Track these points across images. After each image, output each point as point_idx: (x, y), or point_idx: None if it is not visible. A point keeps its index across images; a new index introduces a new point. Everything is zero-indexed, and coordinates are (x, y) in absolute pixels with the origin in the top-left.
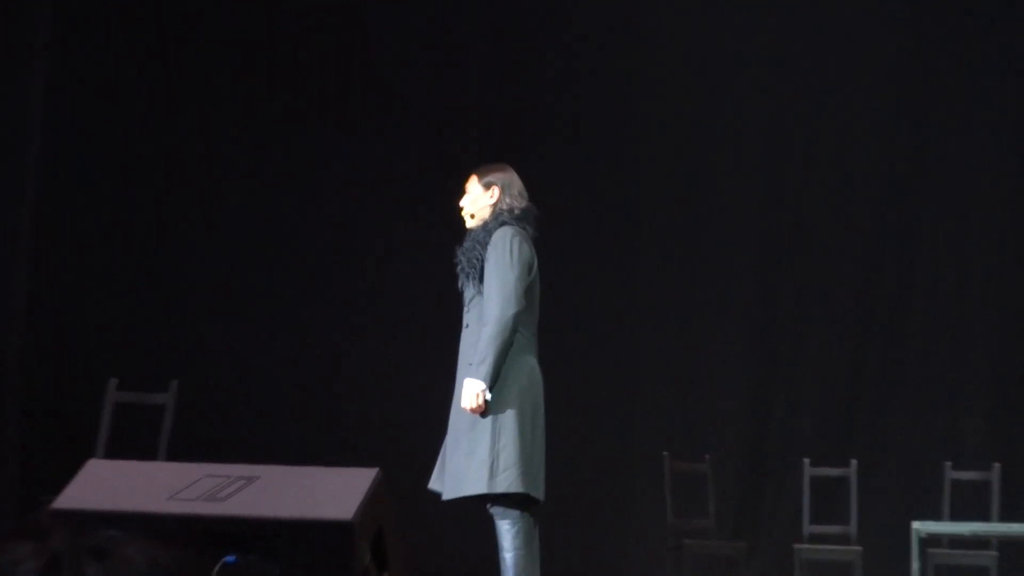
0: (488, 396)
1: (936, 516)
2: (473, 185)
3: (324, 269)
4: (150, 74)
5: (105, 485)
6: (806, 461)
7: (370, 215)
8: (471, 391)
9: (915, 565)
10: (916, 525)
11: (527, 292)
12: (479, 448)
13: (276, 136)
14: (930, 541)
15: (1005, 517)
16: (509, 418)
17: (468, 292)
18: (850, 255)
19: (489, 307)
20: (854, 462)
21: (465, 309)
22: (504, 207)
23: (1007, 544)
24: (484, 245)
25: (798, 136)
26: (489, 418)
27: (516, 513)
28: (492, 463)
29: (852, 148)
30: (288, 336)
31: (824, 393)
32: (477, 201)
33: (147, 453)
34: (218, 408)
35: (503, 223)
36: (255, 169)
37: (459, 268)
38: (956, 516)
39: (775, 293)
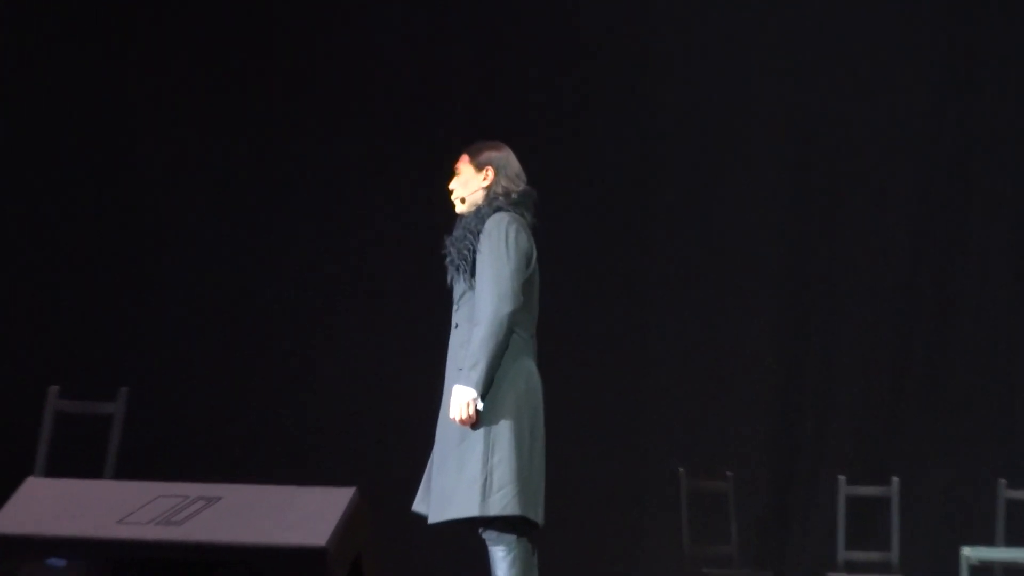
0: (480, 405)
1: (988, 541)
2: (464, 165)
3: (292, 263)
4: (97, 69)
5: (45, 507)
6: (841, 479)
7: (344, 202)
8: (461, 399)
9: None
10: (966, 551)
11: (525, 287)
12: (470, 465)
13: (235, 124)
14: (982, 569)
15: None
16: (504, 430)
17: (458, 287)
18: (890, 251)
19: (482, 304)
20: (895, 480)
21: (454, 307)
22: (499, 190)
23: None
24: (476, 234)
25: (832, 126)
26: (481, 430)
27: (512, 538)
28: (485, 482)
29: (892, 140)
30: (253, 337)
31: (861, 402)
32: (468, 183)
33: (93, 470)
34: (174, 419)
35: (498, 209)
36: (212, 160)
37: (448, 260)
38: (1011, 541)
39: (806, 290)
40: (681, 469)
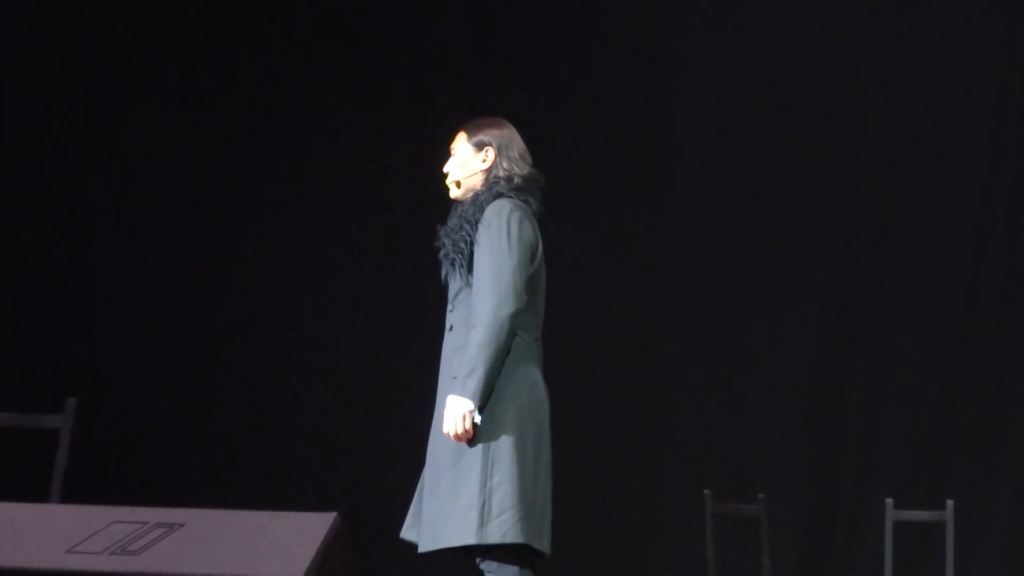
0: (477, 419)
1: None
2: (460, 145)
3: (263, 257)
4: (33, 63)
5: None
6: (889, 502)
7: (321, 189)
8: (455, 412)
9: None
10: None
11: (529, 285)
12: (466, 486)
13: (191, 106)
14: None
15: None
16: (505, 447)
17: (453, 285)
18: (945, 257)
19: (480, 304)
20: (950, 503)
21: (449, 307)
22: (500, 174)
23: None
24: (473, 223)
25: (884, 115)
26: (479, 447)
27: (514, 570)
28: (483, 506)
29: (951, 136)
30: (218, 342)
31: (912, 417)
32: (466, 166)
33: (37, 491)
34: (129, 433)
35: (498, 195)
36: (167, 158)
37: (441, 253)
38: None
39: (851, 295)
40: (707, 491)
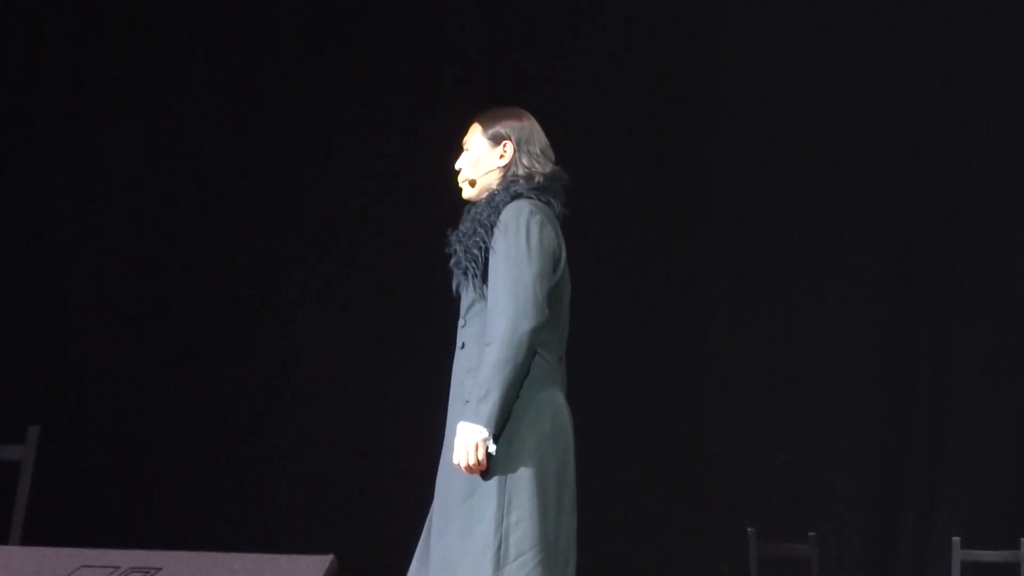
0: (492, 448)
1: None
2: (475, 139)
3: (249, 274)
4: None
5: None
6: (956, 541)
7: (314, 189)
8: (468, 441)
9: None
10: None
11: (551, 297)
12: (480, 524)
13: (164, 99)
14: None
15: None
16: (524, 481)
17: (466, 296)
18: (1021, 265)
19: (496, 319)
20: None
21: (460, 321)
22: (520, 172)
23: None
24: (489, 227)
25: (955, 106)
26: (494, 481)
27: None
28: (499, 547)
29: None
30: (199, 362)
31: (981, 448)
32: (481, 162)
33: None
34: (98, 467)
35: (517, 195)
36: (128, 167)
37: (452, 262)
38: None
39: (913, 310)
40: (751, 529)
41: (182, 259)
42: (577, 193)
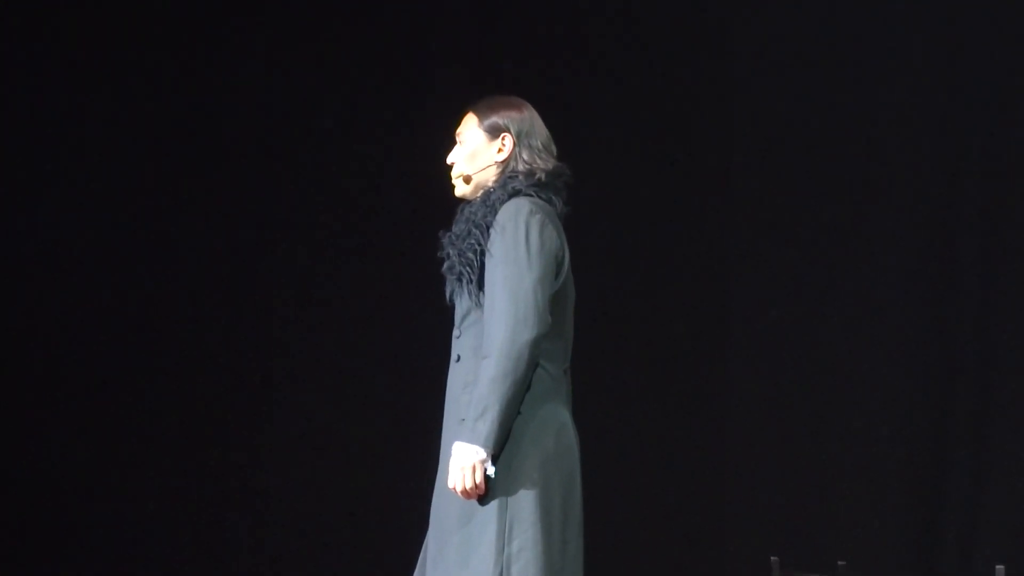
0: (491, 470)
1: None
2: (470, 131)
3: (222, 281)
4: None
5: None
6: (999, 569)
7: (293, 185)
8: (464, 462)
9: None
10: None
11: (553, 304)
12: (478, 553)
13: (142, 92)
14: None
15: None
16: (526, 505)
17: (461, 305)
18: None
19: (494, 329)
20: None
21: (455, 332)
22: (519, 167)
23: None
24: (485, 228)
25: (999, 99)
26: (493, 505)
27: None
28: None
29: None
30: (158, 378)
31: None
32: (477, 156)
33: None
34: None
35: (515, 193)
36: (112, 145)
37: (445, 266)
38: None
39: (953, 323)
40: (774, 558)
41: (153, 263)
42: (581, 190)
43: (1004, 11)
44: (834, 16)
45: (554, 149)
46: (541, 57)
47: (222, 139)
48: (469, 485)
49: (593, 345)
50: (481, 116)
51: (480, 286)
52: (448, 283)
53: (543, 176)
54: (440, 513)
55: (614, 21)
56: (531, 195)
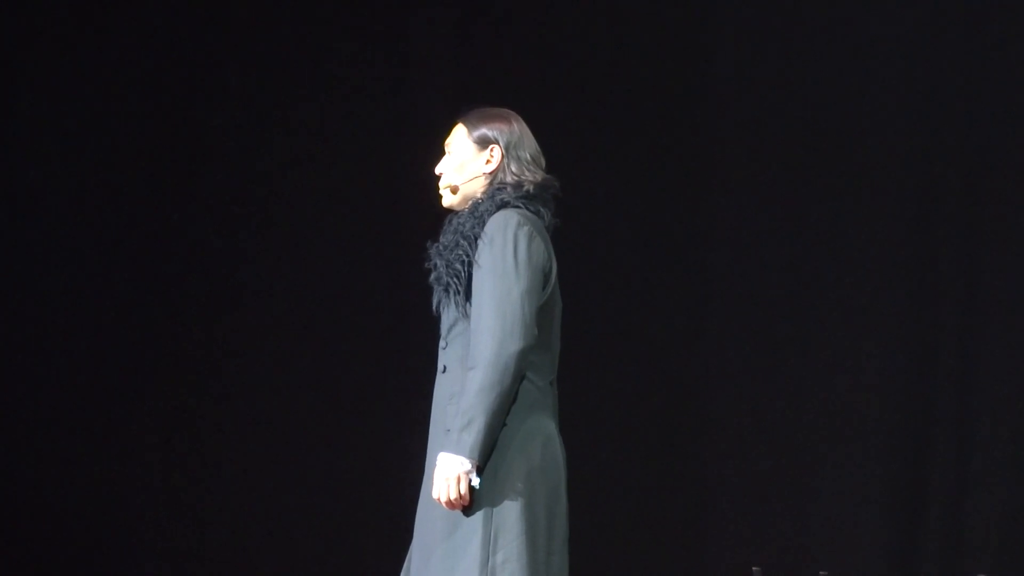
0: (476, 481)
1: None
2: (459, 141)
3: (199, 280)
4: None
5: None
6: None
7: (267, 189)
8: (449, 473)
9: None
10: None
11: (540, 316)
12: (462, 565)
13: (110, 84)
14: None
15: None
16: (511, 517)
17: (447, 315)
18: None
19: (481, 340)
20: None
21: (441, 343)
22: (507, 179)
23: None
24: (473, 240)
25: (977, 99)
26: (478, 517)
27: None
28: None
29: None
30: (133, 378)
31: (1013, 480)
32: (464, 167)
33: None
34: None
35: (503, 204)
36: (79, 138)
37: (433, 277)
38: None
39: (934, 328)
40: (756, 568)
41: (130, 263)
42: (567, 201)
43: (983, 12)
44: (815, 18)
45: (543, 161)
46: (521, 64)
47: (201, 140)
48: (454, 496)
49: (574, 355)
50: (470, 127)
51: (467, 297)
52: (435, 294)
53: (531, 188)
54: (425, 523)
55: (592, 25)
56: (519, 207)
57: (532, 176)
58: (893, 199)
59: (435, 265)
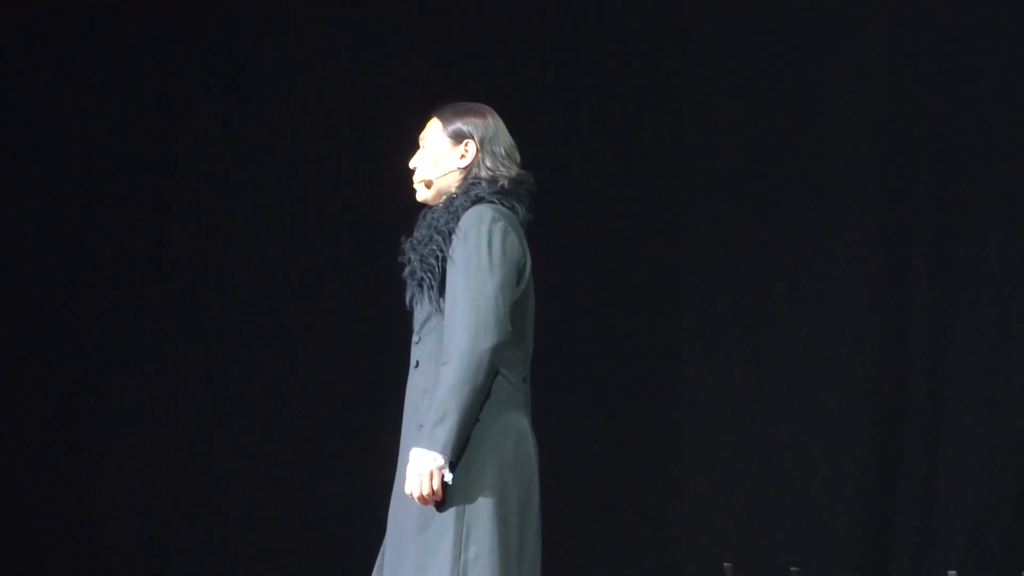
0: (448, 477)
1: None
2: (433, 135)
3: (172, 276)
4: None
5: None
6: (952, 574)
7: (247, 180)
8: (421, 468)
9: None
10: None
11: (515, 312)
12: (435, 560)
13: (81, 84)
14: None
15: None
16: (483, 513)
17: (420, 311)
18: (1019, 277)
19: (454, 335)
20: None
21: (414, 338)
22: (482, 173)
23: None
24: (447, 235)
25: (938, 108)
26: (450, 512)
27: None
28: None
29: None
30: (108, 375)
31: (980, 478)
32: (439, 162)
33: None
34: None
35: (478, 199)
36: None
37: (406, 272)
38: None
39: (904, 329)
40: (727, 564)
41: (107, 263)
42: (541, 197)
43: (954, 21)
44: (788, 24)
45: (518, 156)
46: (495, 59)
47: (172, 136)
48: (426, 491)
49: (547, 351)
50: (445, 121)
51: (441, 292)
52: (408, 288)
53: (506, 183)
54: (398, 519)
55: (567, 21)
56: (494, 202)
57: (507, 171)
58: (864, 204)
59: (409, 259)
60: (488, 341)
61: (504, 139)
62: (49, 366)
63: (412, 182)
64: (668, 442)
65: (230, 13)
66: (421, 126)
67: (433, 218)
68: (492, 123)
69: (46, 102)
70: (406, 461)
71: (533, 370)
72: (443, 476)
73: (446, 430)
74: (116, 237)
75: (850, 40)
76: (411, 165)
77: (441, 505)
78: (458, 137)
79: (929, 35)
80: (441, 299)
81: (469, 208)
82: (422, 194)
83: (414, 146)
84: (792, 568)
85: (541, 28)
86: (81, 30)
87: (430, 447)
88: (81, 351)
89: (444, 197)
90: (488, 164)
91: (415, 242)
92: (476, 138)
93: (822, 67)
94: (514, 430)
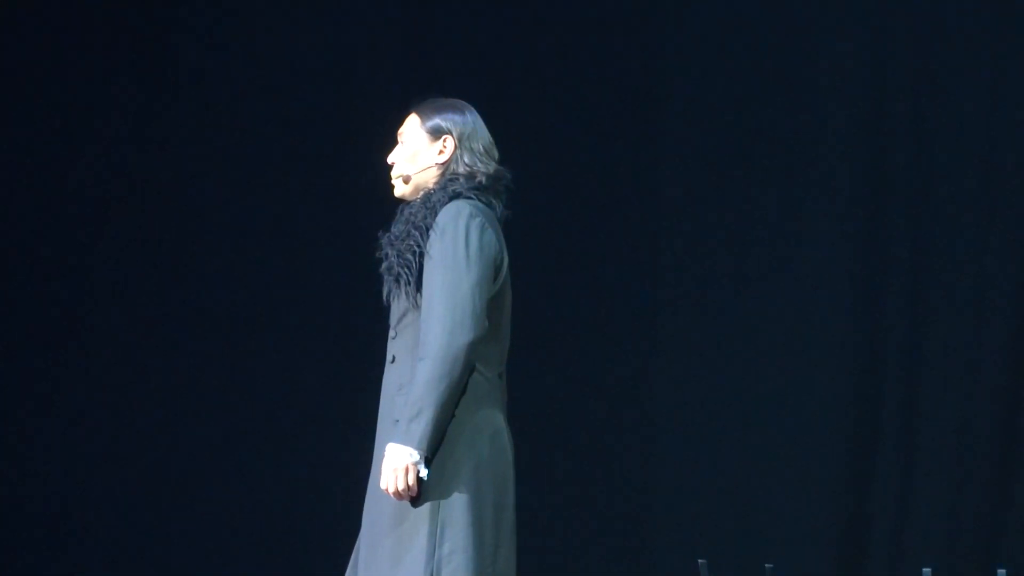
0: (424, 472)
1: None
2: (412, 131)
3: (143, 275)
4: None
5: None
6: (927, 572)
7: (219, 176)
8: (397, 463)
9: None
10: None
11: (491, 308)
12: (409, 556)
13: (61, 80)
14: None
15: None
16: (458, 509)
17: (397, 306)
18: (998, 272)
19: (431, 331)
20: (1002, 572)
21: (391, 333)
22: (460, 169)
23: None
24: (424, 230)
25: (915, 101)
26: (425, 508)
27: None
28: None
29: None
30: (92, 375)
31: (956, 475)
32: (418, 157)
33: None
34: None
35: (455, 195)
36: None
37: (384, 267)
38: None
39: (880, 322)
40: (702, 560)
41: (81, 267)
42: (518, 193)
43: (931, 18)
44: (764, 17)
45: (496, 153)
46: (473, 55)
47: (150, 131)
48: (401, 486)
49: (522, 347)
50: (424, 117)
51: (418, 287)
52: (385, 283)
53: (484, 179)
54: (372, 514)
55: (542, 18)
56: (471, 198)
57: (485, 167)
58: (841, 198)
59: (386, 255)
60: (464, 337)
61: (483, 136)
62: (35, 364)
63: (390, 177)
64: (641, 437)
65: (204, 8)
66: (400, 122)
67: (411, 213)
68: (471, 119)
69: (20, 100)
70: (381, 456)
71: (508, 365)
72: (418, 472)
73: (422, 425)
74: (98, 234)
75: (828, 35)
76: (389, 161)
77: (416, 501)
78: (436, 133)
79: (906, 30)
80: (418, 295)
81: (447, 204)
82: (400, 189)
83: (392, 142)
84: (767, 564)
85: (517, 24)
86: (60, 35)
87: (406, 442)
88: (66, 349)
89: (422, 193)
90: (466, 160)
91: (392, 237)
92: (455, 134)
93: (800, 60)
94: (490, 426)
